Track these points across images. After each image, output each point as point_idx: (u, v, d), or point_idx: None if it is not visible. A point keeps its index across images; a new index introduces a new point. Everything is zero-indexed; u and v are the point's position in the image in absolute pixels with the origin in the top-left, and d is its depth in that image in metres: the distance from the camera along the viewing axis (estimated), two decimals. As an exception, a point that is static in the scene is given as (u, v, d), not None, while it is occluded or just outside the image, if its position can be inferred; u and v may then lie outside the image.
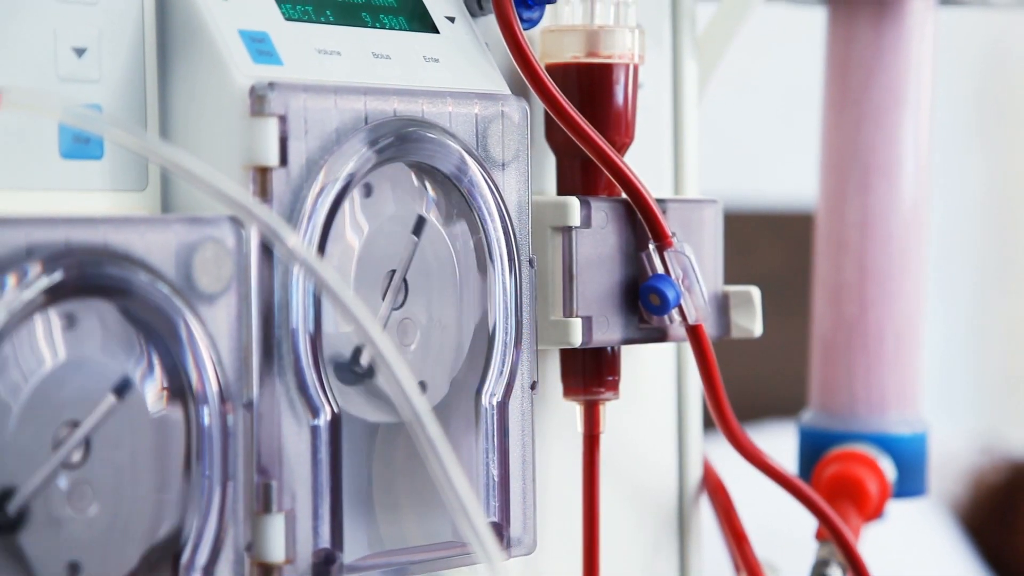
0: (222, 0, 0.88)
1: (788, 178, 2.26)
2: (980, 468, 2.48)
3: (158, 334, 0.82)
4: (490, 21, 0.96)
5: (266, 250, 0.85)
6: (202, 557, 0.83)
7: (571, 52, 1.00)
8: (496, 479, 0.94)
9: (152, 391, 0.82)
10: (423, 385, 0.92)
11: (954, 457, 2.42)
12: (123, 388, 0.81)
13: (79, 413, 0.79)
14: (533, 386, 0.95)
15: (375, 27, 0.93)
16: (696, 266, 1.00)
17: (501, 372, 0.94)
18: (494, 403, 0.94)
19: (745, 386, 1.33)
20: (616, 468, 1.07)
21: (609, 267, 0.99)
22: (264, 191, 0.85)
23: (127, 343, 0.81)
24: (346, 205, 0.88)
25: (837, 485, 1.16)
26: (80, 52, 0.85)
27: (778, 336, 1.27)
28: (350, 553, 0.89)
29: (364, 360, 0.89)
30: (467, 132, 0.92)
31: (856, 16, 1.19)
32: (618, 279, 0.99)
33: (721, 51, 1.13)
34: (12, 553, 0.78)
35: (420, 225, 0.92)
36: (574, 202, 0.97)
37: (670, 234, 0.99)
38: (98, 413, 0.80)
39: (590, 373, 1.00)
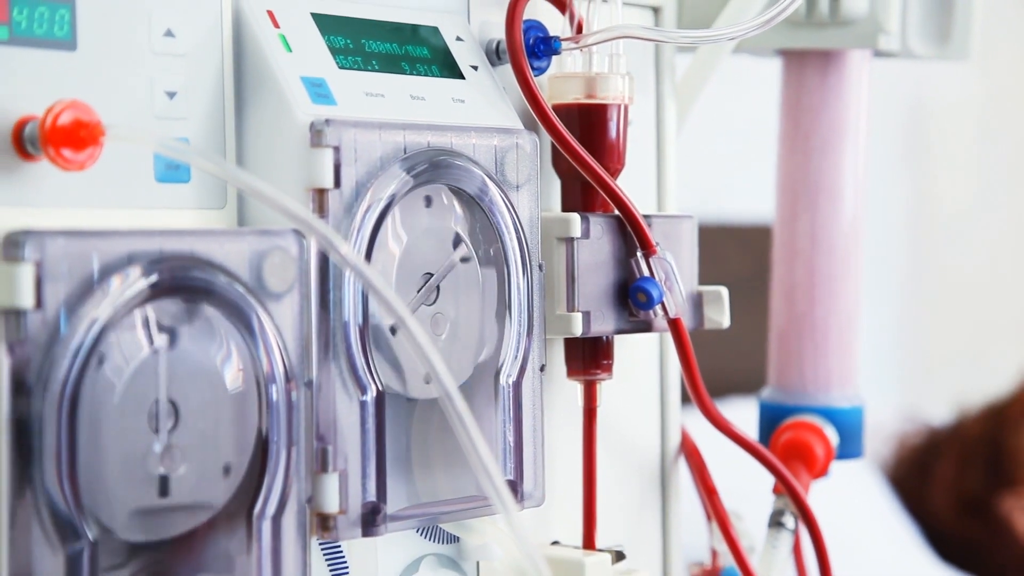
0: (287, 52, 0.87)
1: (750, 197, 2.25)
2: (904, 433, 2.47)
3: (235, 326, 0.81)
4: (507, 69, 0.96)
5: (323, 257, 0.85)
6: (271, 508, 0.82)
7: (573, 94, 0.99)
8: (511, 445, 0.93)
9: (230, 372, 0.81)
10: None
11: (883, 425, 2.41)
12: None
13: (170, 392, 0.79)
14: (542, 368, 0.95)
15: (412, 74, 0.93)
16: (675, 270, 0.99)
17: (516, 357, 0.93)
18: (510, 383, 0.93)
19: (715, 368, 1.32)
20: (610, 436, 1.06)
21: (604, 271, 0.98)
22: (321, 208, 0.85)
23: (210, 333, 0.81)
24: (388, 220, 0.88)
25: (790, 449, 1.15)
26: (171, 95, 0.85)
27: (742, 327, 1.26)
28: (392, 505, 0.88)
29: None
30: (488, 160, 0.92)
31: (805, 66, 1.18)
32: (612, 280, 0.98)
33: (695, 94, 1.13)
34: None
35: (457, 242, 0.91)
36: (575, 218, 0.97)
37: (654, 244, 0.98)
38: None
39: (589, 358, 1.00)
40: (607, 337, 1.00)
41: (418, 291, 0.90)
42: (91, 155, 0.79)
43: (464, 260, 0.92)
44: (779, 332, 1.20)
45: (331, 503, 0.85)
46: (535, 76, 0.96)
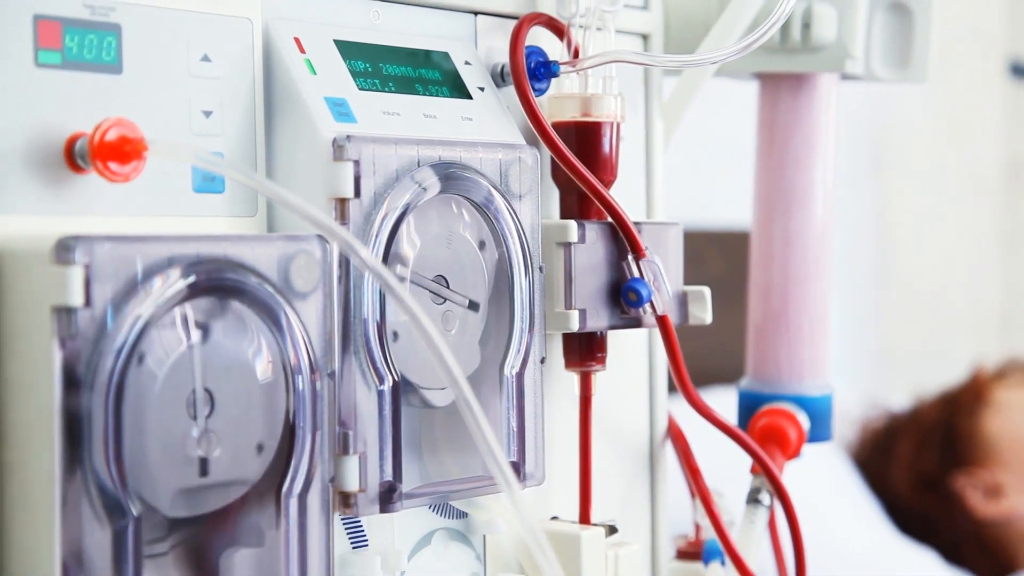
0: (312, 75, 0.87)
1: (730, 206, 2.25)
2: (867, 419, 2.46)
3: (265, 322, 0.81)
4: (510, 90, 0.96)
5: (344, 260, 0.84)
6: (298, 487, 0.82)
7: (570, 113, 0.99)
8: (515, 430, 0.93)
9: (261, 364, 0.81)
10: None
11: (849, 411, 2.41)
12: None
13: (206, 381, 0.78)
14: (542, 361, 0.94)
15: (425, 95, 0.92)
16: (663, 271, 0.99)
17: (519, 350, 0.93)
18: (513, 373, 0.93)
19: (699, 360, 1.31)
20: (603, 421, 1.06)
21: (599, 272, 0.98)
22: (343, 216, 0.84)
23: (242, 329, 0.80)
24: (403, 227, 0.87)
25: (766, 433, 1.15)
26: (208, 114, 0.84)
27: (723, 323, 1.25)
28: (407, 484, 0.88)
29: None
30: (493, 172, 0.92)
31: (780, 88, 1.18)
32: (605, 281, 0.98)
33: (681, 113, 1.13)
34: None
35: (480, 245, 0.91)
36: (573, 224, 0.96)
37: (644, 248, 0.98)
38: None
39: (584, 351, 0.99)
40: (601, 332, 0.99)
41: (430, 294, 0.89)
42: (135, 168, 0.78)
43: (468, 259, 0.91)
44: (756, 327, 1.20)
45: (352, 482, 0.85)
46: (536, 96, 0.95)
